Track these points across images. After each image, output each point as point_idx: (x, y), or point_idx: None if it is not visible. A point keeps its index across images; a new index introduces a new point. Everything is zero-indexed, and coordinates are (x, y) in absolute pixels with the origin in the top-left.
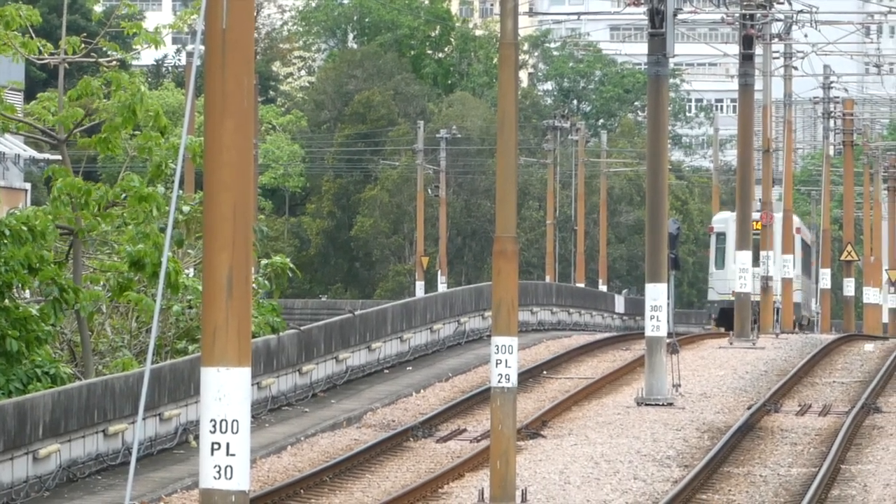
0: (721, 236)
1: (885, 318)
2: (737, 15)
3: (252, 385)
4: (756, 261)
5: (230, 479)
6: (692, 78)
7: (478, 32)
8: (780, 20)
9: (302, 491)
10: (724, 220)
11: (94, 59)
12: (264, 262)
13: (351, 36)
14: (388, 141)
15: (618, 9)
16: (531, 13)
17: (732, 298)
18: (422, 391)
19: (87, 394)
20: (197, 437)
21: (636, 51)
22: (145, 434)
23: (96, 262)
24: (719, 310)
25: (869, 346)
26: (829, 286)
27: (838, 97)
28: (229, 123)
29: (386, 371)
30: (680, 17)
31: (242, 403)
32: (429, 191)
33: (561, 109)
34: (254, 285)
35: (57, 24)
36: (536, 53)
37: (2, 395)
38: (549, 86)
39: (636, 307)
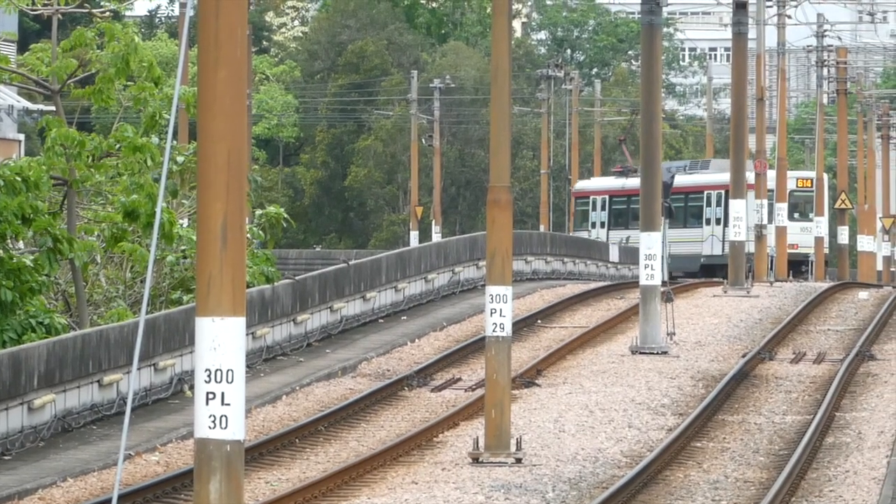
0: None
1: (880, 266)
2: None
3: (247, 335)
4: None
5: (225, 428)
6: (686, 27)
7: None
8: None
9: (297, 440)
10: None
11: (87, 10)
12: (259, 212)
13: None
14: (381, 91)
15: None
16: None
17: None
18: (416, 340)
19: (82, 344)
20: (192, 387)
21: (630, 0)
22: (140, 384)
23: (90, 212)
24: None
25: (863, 294)
26: (824, 234)
27: (832, 46)
28: (223, 73)
29: (381, 321)
30: None
31: (237, 353)
32: (423, 141)
33: (555, 59)
34: (248, 235)
35: None
36: (530, 2)
37: None
38: (542, 35)
39: (631, 256)
